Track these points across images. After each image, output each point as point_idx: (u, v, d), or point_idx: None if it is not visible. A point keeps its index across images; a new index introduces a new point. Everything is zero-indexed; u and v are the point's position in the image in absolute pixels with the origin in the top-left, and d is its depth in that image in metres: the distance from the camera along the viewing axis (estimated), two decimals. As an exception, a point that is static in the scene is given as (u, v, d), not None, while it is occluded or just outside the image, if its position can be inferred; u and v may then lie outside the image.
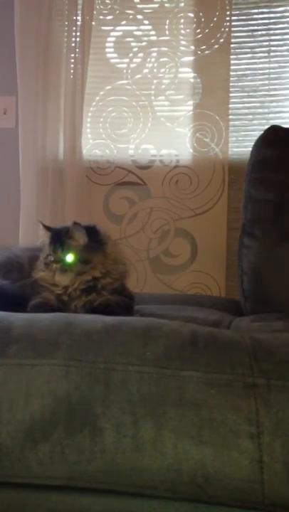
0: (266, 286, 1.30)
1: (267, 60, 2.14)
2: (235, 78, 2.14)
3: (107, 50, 2.24)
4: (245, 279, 1.34)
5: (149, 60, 2.19)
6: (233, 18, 2.13)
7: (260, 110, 2.14)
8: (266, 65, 2.13)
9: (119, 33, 2.22)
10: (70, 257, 0.99)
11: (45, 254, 1.01)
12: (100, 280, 1.00)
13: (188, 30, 2.17)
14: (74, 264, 0.98)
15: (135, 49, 2.20)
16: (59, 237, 1.00)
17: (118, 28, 2.22)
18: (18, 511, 0.69)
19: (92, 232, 1.02)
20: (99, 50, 2.21)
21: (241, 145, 2.14)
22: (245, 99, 2.15)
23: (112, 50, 2.24)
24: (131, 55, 2.20)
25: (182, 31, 2.17)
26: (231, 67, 2.13)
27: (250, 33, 2.14)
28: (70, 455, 0.64)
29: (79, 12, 2.13)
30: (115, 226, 2.17)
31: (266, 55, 2.14)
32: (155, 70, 2.19)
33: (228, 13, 2.12)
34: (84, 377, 0.65)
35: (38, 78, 2.14)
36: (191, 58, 2.17)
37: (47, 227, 1.05)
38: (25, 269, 1.06)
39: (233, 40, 2.14)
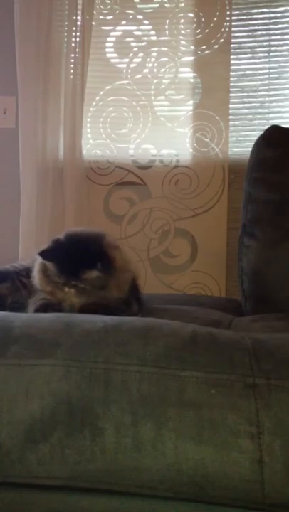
0: (266, 286, 1.30)
1: (267, 60, 2.14)
2: (236, 78, 2.14)
3: (107, 50, 2.24)
4: (245, 279, 1.34)
5: (149, 60, 2.19)
6: (233, 18, 2.13)
7: (260, 110, 2.14)
8: (266, 65, 2.13)
9: (119, 33, 2.22)
10: (82, 286, 0.95)
11: (54, 277, 0.97)
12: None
13: (188, 30, 2.17)
14: (90, 290, 0.96)
15: (135, 49, 2.20)
16: (68, 271, 0.96)
17: (118, 28, 2.22)
18: (18, 511, 0.69)
19: (102, 256, 0.97)
20: (99, 50, 2.22)
21: (241, 145, 2.14)
22: (245, 99, 2.15)
23: (112, 50, 2.24)
24: (131, 55, 2.20)
25: (182, 31, 2.17)
26: (231, 67, 2.13)
27: (250, 33, 2.14)
28: (70, 455, 0.64)
29: (79, 12, 2.14)
30: (115, 226, 2.17)
31: (266, 55, 2.14)
32: (155, 70, 2.19)
33: (228, 13, 2.12)
34: (84, 377, 0.65)
35: (38, 78, 2.14)
36: (191, 58, 2.17)
37: (46, 257, 0.97)
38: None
39: (233, 40, 2.14)
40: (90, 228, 1.08)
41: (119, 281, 0.99)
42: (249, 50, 2.15)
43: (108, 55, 2.24)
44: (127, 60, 2.21)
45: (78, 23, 2.13)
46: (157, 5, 2.19)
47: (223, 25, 2.13)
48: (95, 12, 2.16)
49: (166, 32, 2.18)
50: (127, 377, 0.65)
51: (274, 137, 1.42)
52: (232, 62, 2.14)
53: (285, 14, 2.12)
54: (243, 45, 2.15)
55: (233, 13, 2.13)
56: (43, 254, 0.98)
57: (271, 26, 2.13)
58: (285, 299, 1.25)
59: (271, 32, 2.13)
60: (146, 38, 2.20)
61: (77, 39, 2.13)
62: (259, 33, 2.14)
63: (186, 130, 2.16)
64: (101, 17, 2.21)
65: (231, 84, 2.13)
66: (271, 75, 2.13)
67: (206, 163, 2.13)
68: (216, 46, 2.14)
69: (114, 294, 0.98)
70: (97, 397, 0.64)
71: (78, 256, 0.96)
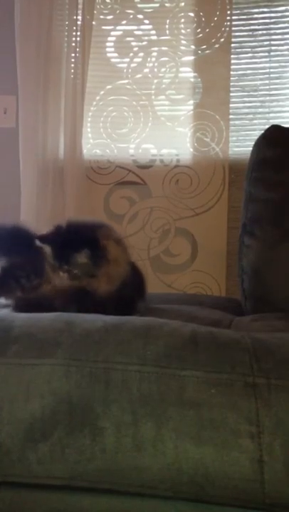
0: (266, 285, 1.30)
1: (267, 59, 2.14)
2: (236, 78, 2.14)
3: (108, 49, 2.24)
4: (246, 279, 1.34)
5: (149, 59, 2.19)
6: (233, 17, 2.13)
7: (260, 110, 2.14)
8: (267, 65, 2.14)
9: (120, 33, 2.22)
10: (75, 271, 0.99)
11: (50, 261, 1.01)
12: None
13: (188, 30, 2.17)
14: (81, 276, 0.99)
15: (136, 48, 2.20)
16: (62, 254, 1.00)
17: (118, 27, 2.22)
18: (18, 511, 0.69)
19: (93, 243, 1.01)
20: (99, 50, 2.22)
21: (242, 144, 2.14)
22: (245, 99, 2.15)
23: (112, 49, 2.24)
24: (131, 54, 2.20)
25: (183, 31, 2.17)
26: (232, 67, 2.14)
27: (250, 33, 2.14)
28: (70, 455, 0.64)
29: (79, 12, 2.14)
30: (116, 225, 2.15)
31: (267, 54, 2.14)
32: (155, 70, 2.19)
33: (228, 12, 2.13)
34: (84, 377, 0.65)
35: (38, 78, 2.14)
36: (192, 58, 2.17)
37: (44, 240, 1.03)
38: None
39: (233, 40, 2.14)
40: (95, 220, 1.10)
41: (109, 273, 1.01)
42: (250, 49, 2.15)
43: (109, 55, 2.24)
44: (127, 59, 2.21)
45: (79, 22, 2.14)
46: (158, 4, 2.19)
47: (223, 25, 2.13)
48: (95, 11, 2.16)
49: (167, 31, 2.18)
50: (128, 376, 0.65)
51: (274, 137, 1.42)
52: (232, 61, 2.14)
53: (286, 14, 2.12)
54: (243, 44, 2.15)
55: (234, 12, 2.13)
56: (41, 238, 1.03)
57: (272, 26, 2.13)
58: (285, 299, 1.25)
59: (272, 31, 2.13)
60: (146, 38, 2.20)
61: (78, 38, 2.13)
62: (259, 32, 2.14)
63: (186, 130, 2.16)
64: (101, 16, 2.21)
65: (232, 83, 2.13)
66: (272, 75, 2.13)
67: (206, 162, 2.13)
68: (217, 46, 2.14)
69: (103, 284, 0.99)
70: (97, 397, 0.64)
71: (71, 242, 1.01)
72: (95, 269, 0.99)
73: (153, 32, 2.20)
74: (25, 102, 2.16)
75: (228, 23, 2.13)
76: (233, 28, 2.13)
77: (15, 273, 1.07)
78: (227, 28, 2.13)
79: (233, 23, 2.13)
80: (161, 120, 2.18)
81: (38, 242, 1.03)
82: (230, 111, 2.13)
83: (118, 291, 1.01)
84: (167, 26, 2.18)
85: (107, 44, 2.24)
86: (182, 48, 2.17)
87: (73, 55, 2.14)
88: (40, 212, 2.14)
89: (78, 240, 1.01)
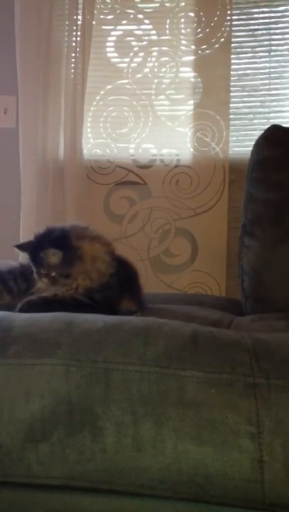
0: (266, 285, 1.30)
1: (267, 59, 2.13)
2: (236, 77, 2.14)
3: (108, 49, 2.24)
4: (246, 279, 1.34)
5: (149, 59, 2.19)
6: (233, 17, 2.13)
7: (260, 109, 2.14)
8: (267, 65, 2.13)
9: (120, 33, 2.22)
10: (52, 274, 1.02)
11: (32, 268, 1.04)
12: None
13: (188, 30, 2.17)
14: (58, 279, 1.02)
15: (136, 48, 2.20)
16: (37, 258, 1.02)
17: (119, 27, 2.22)
18: (18, 511, 0.69)
19: (63, 243, 1.03)
20: (99, 50, 2.21)
21: (242, 144, 2.14)
22: (245, 99, 2.15)
23: (112, 49, 2.24)
24: (131, 54, 2.20)
25: (183, 31, 2.17)
26: (232, 67, 2.13)
27: (250, 33, 2.14)
28: (70, 455, 0.64)
29: (79, 11, 2.13)
30: (116, 226, 2.17)
31: (267, 54, 2.13)
32: (156, 70, 2.19)
33: (228, 12, 2.12)
34: (84, 377, 0.65)
35: (38, 78, 2.14)
36: (192, 58, 2.16)
37: (21, 248, 1.07)
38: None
39: (233, 40, 2.14)
40: (75, 223, 1.11)
41: (87, 270, 1.02)
42: (250, 49, 2.15)
43: (109, 55, 2.24)
44: (127, 59, 2.21)
45: (79, 22, 2.13)
46: (158, 4, 2.19)
47: (223, 25, 2.13)
48: (95, 11, 2.16)
49: (167, 31, 2.18)
50: (127, 376, 0.65)
51: (274, 137, 1.42)
52: (232, 61, 2.14)
53: (286, 13, 2.12)
54: (243, 44, 2.15)
55: (234, 12, 2.13)
56: (18, 246, 1.08)
57: (272, 26, 2.13)
58: (285, 299, 1.25)
59: (272, 31, 2.13)
60: (146, 38, 2.20)
61: (78, 38, 2.13)
62: (260, 32, 2.13)
63: (186, 129, 2.16)
64: (102, 16, 2.21)
65: (232, 83, 2.13)
66: (272, 75, 2.13)
67: (206, 162, 2.13)
68: (217, 45, 2.13)
69: (81, 282, 1.01)
70: (97, 397, 0.64)
71: (41, 245, 1.03)
72: (69, 268, 1.01)
73: (153, 32, 2.20)
74: (25, 102, 2.16)
75: (228, 23, 2.13)
76: (233, 28, 2.13)
77: (2, 276, 1.08)
78: (227, 28, 2.13)
79: (233, 23, 2.13)
80: (162, 120, 2.18)
81: (17, 250, 1.06)
82: (231, 111, 2.13)
83: (104, 285, 1.02)
84: (167, 26, 2.17)
85: (107, 44, 2.24)
86: (182, 47, 2.17)
87: (73, 55, 2.14)
88: (40, 212, 2.14)
89: (46, 241, 1.03)
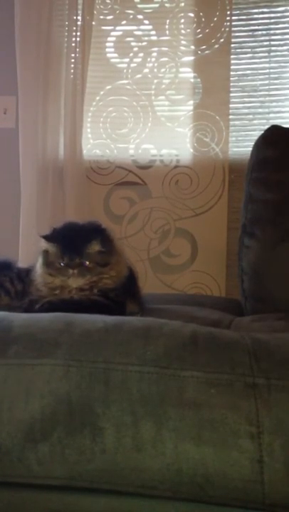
0: (266, 286, 1.30)
1: (267, 59, 2.14)
2: (236, 78, 2.14)
3: (108, 49, 2.24)
4: (246, 279, 1.34)
5: (149, 59, 2.19)
6: (233, 17, 2.13)
7: (260, 110, 2.14)
8: (266, 65, 2.13)
9: (120, 33, 2.22)
10: (87, 263, 0.99)
11: (57, 262, 1.00)
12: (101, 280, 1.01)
13: (188, 30, 2.17)
14: (93, 267, 0.99)
15: (135, 49, 2.20)
16: (72, 248, 0.99)
17: (118, 27, 2.22)
18: (17, 511, 0.69)
19: (101, 233, 1.02)
20: (99, 50, 2.21)
21: (241, 145, 2.14)
22: (245, 99, 2.15)
23: (112, 49, 2.24)
24: (131, 54, 2.20)
25: (182, 31, 2.17)
26: (231, 67, 2.13)
27: (250, 33, 2.14)
28: (70, 455, 0.64)
29: (79, 12, 2.13)
30: (116, 226, 2.17)
31: (266, 54, 2.14)
32: (155, 70, 2.19)
33: (228, 12, 2.12)
34: (84, 377, 0.65)
35: (38, 78, 2.14)
36: (192, 58, 2.16)
37: (48, 239, 1.02)
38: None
39: (233, 40, 2.14)
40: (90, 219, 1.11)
41: (119, 263, 1.03)
42: (249, 49, 2.15)
43: (108, 55, 2.24)
44: (127, 59, 2.21)
45: (78, 22, 2.13)
46: (157, 5, 2.19)
47: (223, 25, 2.13)
48: (95, 12, 2.16)
49: (167, 32, 2.18)
50: (127, 377, 0.65)
51: (274, 137, 1.42)
52: (232, 62, 2.14)
53: (286, 14, 2.12)
54: (243, 44, 2.15)
55: (234, 12, 2.13)
56: (46, 237, 1.02)
57: (271, 26, 2.13)
58: (285, 299, 1.25)
59: (271, 32, 2.13)
60: (146, 38, 2.20)
61: (78, 39, 2.13)
62: (259, 32, 2.14)
63: (186, 130, 2.16)
64: (101, 17, 2.21)
65: (231, 84, 2.13)
66: (271, 75, 2.13)
67: (206, 163, 2.13)
68: (217, 46, 2.14)
69: (113, 274, 1.01)
70: (97, 397, 0.64)
71: (79, 234, 1.01)
72: (108, 256, 1.01)
73: (153, 32, 2.20)
74: (25, 102, 2.16)
75: (228, 24, 2.13)
76: (233, 29, 2.13)
77: None
78: (227, 29, 2.13)
79: (233, 23, 2.13)
80: (161, 120, 2.18)
81: (43, 242, 1.03)
82: (230, 111, 2.13)
83: (120, 285, 1.02)
84: (167, 26, 2.17)
85: (107, 44, 2.24)
86: (182, 48, 2.17)
87: (73, 55, 2.14)
88: (40, 212, 2.14)
89: (86, 230, 1.02)
